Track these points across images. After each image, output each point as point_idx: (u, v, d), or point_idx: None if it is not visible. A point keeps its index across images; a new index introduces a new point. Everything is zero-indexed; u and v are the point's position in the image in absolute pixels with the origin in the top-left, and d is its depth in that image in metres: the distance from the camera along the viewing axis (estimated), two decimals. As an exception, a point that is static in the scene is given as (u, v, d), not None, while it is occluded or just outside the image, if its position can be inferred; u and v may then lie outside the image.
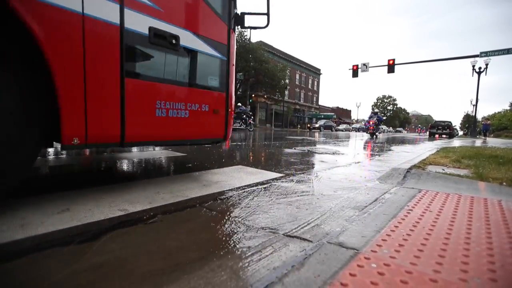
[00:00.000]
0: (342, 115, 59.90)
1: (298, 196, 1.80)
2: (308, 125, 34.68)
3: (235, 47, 2.36)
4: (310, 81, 50.28)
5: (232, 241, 1.08)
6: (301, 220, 1.34)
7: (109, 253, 0.95)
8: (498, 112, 48.95)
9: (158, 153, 3.69)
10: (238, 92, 29.43)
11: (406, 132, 65.75)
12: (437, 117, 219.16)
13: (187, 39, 1.88)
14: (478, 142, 11.23)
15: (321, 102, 55.77)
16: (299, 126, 42.26)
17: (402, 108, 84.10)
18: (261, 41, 34.57)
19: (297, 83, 46.14)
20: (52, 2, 1.24)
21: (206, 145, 4.71)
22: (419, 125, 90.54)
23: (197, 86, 2.00)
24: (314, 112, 50.24)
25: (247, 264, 0.90)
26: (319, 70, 52.63)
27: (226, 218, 1.34)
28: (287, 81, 33.64)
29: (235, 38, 2.32)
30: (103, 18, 1.43)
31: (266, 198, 1.71)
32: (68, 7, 1.29)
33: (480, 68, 20.36)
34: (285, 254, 0.97)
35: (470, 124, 35.84)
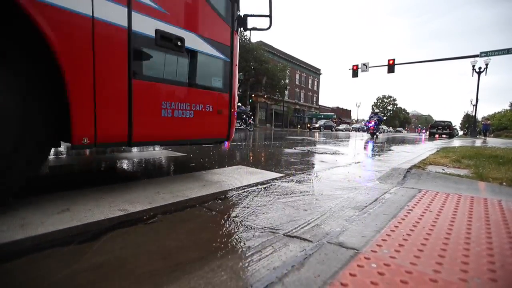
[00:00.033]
0: (342, 115, 59.91)
1: (298, 196, 1.80)
2: (308, 125, 34.68)
3: (238, 48, 2.39)
4: (310, 81, 50.29)
5: (232, 241, 1.08)
6: (301, 220, 1.34)
7: (109, 253, 0.95)
8: (498, 112, 48.97)
9: (158, 153, 3.69)
10: (238, 92, 29.44)
11: (406, 132, 65.74)
12: (437, 117, 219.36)
13: (192, 41, 1.91)
14: (478, 142, 11.24)
15: (321, 102, 55.83)
16: (299, 126, 42.27)
17: (402, 108, 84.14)
18: (261, 41, 34.58)
19: (297, 83, 46.15)
20: (64, 6, 1.27)
21: (206, 145, 4.72)
22: (419, 125, 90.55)
23: (201, 87, 2.04)
24: (314, 112, 50.25)
25: (247, 264, 0.90)
26: (319, 70, 52.64)
27: (226, 218, 1.34)
28: (287, 81, 33.65)
29: (238, 39, 2.35)
30: (112, 21, 1.47)
31: (266, 198, 1.71)
32: (79, 11, 1.33)
33: (480, 68, 20.37)
34: (285, 254, 0.97)
35: (470, 124, 35.85)
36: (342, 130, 35.33)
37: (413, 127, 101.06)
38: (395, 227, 1.23)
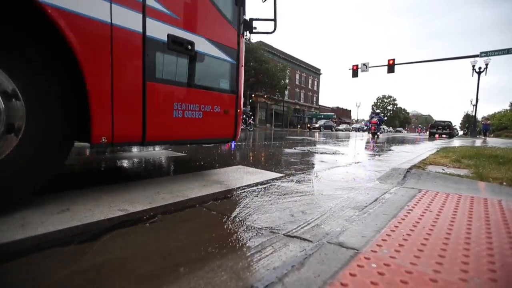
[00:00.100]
0: (342, 115, 59.92)
1: (298, 196, 1.80)
2: (308, 125, 34.67)
3: (244, 50, 2.47)
4: (310, 81, 50.29)
5: (232, 241, 1.08)
6: (301, 220, 1.34)
7: (109, 253, 0.95)
8: (498, 112, 48.95)
9: (158, 153, 3.69)
10: (238, 92, 29.32)
11: (406, 132, 65.74)
12: (437, 117, 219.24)
13: (201, 44, 1.99)
14: (478, 142, 11.24)
15: (321, 102, 55.81)
16: (299, 126, 42.26)
17: (402, 108, 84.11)
18: (261, 41, 34.56)
19: (297, 83, 46.14)
20: (86, 14, 1.35)
21: (206, 145, 4.72)
22: (419, 125, 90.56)
23: (209, 88, 2.12)
24: (314, 112, 50.24)
25: (247, 264, 0.90)
26: (319, 70, 52.64)
27: (226, 218, 1.34)
28: (287, 81, 33.65)
29: (244, 42, 2.42)
30: (128, 27, 1.55)
31: (266, 198, 1.71)
32: (100, 18, 1.41)
33: (480, 68, 20.37)
34: (285, 254, 0.97)
35: (470, 124, 35.85)
36: (342, 130, 35.33)
37: (413, 127, 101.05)
38: (395, 227, 1.23)
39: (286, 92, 36.96)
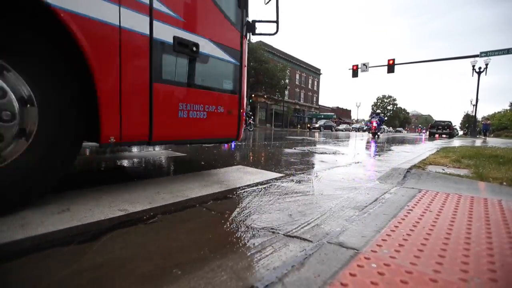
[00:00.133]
0: (342, 115, 59.92)
1: (298, 196, 1.80)
2: (308, 125, 34.65)
3: (247, 51, 2.49)
4: (310, 81, 50.29)
5: (232, 241, 1.08)
6: (301, 220, 1.34)
7: (109, 253, 0.95)
8: (498, 112, 48.97)
9: (158, 153, 3.69)
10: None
11: (406, 132, 65.73)
12: (437, 117, 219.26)
13: (206, 46, 2.02)
14: (478, 142, 11.24)
15: (321, 102, 55.81)
16: (299, 126, 42.26)
17: (402, 108, 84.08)
18: (260, 41, 34.55)
19: (297, 83, 46.14)
20: (96, 17, 1.37)
21: (206, 145, 4.72)
22: (419, 125, 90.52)
23: (214, 89, 2.16)
24: (314, 112, 50.24)
25: (247, 264, 0.90)
26: (319, 70, 52.63)
27: (226, 218, 1.34)
28: (287, 81, 33.65)
29: (247, 43, 2.46)
30: (136, 30, 1.57)
31: (266, 198, 1.71)
32: (109, 21, 1.43)
33: (480, 68, 20.36)
34: (285, 254, 0.97)
35: (470, 124, 35.86)
36: (342, 130, 35.32)
37: (413, 127, 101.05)
38: (395, 227, 1.23)
39: (286, 92, 36.97)
